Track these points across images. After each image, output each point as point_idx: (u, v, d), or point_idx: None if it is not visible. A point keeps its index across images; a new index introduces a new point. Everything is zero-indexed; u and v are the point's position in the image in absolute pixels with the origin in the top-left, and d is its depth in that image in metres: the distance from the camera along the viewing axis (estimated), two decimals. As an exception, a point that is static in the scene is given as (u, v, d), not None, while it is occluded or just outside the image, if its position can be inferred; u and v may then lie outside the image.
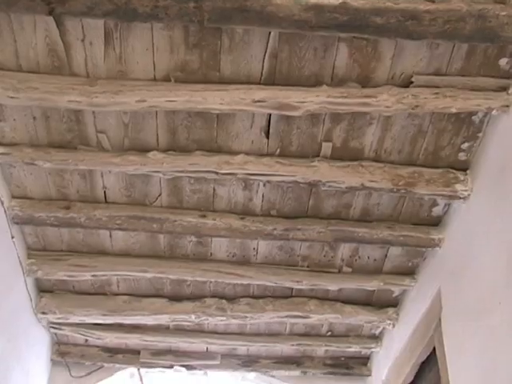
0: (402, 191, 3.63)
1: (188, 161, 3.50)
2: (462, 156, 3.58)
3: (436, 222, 4.06)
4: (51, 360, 5.49)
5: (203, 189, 3.86)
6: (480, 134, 3.45)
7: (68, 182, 3.86)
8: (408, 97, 3.11)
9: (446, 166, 3.62)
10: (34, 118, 3.44)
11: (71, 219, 3.95)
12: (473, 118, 3.38)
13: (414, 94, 3.11)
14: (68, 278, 4.54)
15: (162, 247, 4.35)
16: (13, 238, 4.09)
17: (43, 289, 4.81)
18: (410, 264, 4.48)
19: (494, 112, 3.20)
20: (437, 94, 3.11)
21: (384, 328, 5.17)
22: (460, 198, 3.62)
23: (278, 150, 3.55)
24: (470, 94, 3.13)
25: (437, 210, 3.99)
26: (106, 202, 3.96)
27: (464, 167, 3.62)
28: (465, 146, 3.53)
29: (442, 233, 4.01)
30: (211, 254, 4.40)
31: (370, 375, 5.65)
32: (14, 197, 3.95)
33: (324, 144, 3.50)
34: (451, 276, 3.87)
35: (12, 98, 3.12)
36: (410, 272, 4.54)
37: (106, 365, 5.61)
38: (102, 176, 3.81)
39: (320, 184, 3.58)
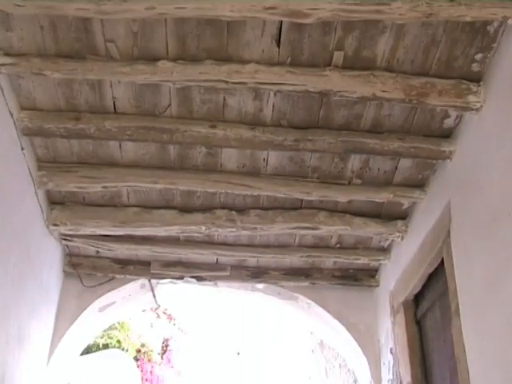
0: (414, 102, 3.63)
1: (198, 70, 3.49)
2: (475, 67, 3.57)
3: (447, 134, 4.08)
4: (63, 271, 5.64)
5: (213, 99, 3.87)
6: (494, 45, 3.42)
7: (77, 93, 3.87)
8: (422, 4, 3.03)
9: (458, 77, 3.61)
10: (42, 27, 3.41)
11: (81, 130, 3.99)
12: (488, 27, 3.34)
13: (428, 1, 3.04)
14: (78, 190, 4.59)
15: (172, 158, 4.38)
16: (23, 149, 4.13)
17: (54, 201, 4.88)
18: (420, 176, 4.53)
19: (509, 21, 3.14)
20: (452, 1, 3.03)
21: (393, 240, 5.26)
22: (472, 109, 3.63)
23: (289, 59, 3.54)
24: (485, 2, 3.05)
25: (448, 122, 4.01)
26: (116, 112, 3.98)
27: (477, 78, 3.61)
28: (478, 56, 3.51)
29: (453, 145, 4.03)
30: (221, 165, 4.43)
31: (377, 286, 5.80)
32: (23, 108, 3.97)
33: (335, 53, 3.49)
34: (461, 188, 3.92)
35: (19, 6, 3.07)
36: (419, 184, 4.60)
37: (117, 276, 5.76)
38: (111, 86, 3.82)
39: (331, 94, 3.58)
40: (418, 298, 4.92)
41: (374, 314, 5.80)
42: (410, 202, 4.79)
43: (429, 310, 4.73)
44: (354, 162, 4.41)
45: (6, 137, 3.88)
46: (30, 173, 4.35)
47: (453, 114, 3.91)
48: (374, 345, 5.74)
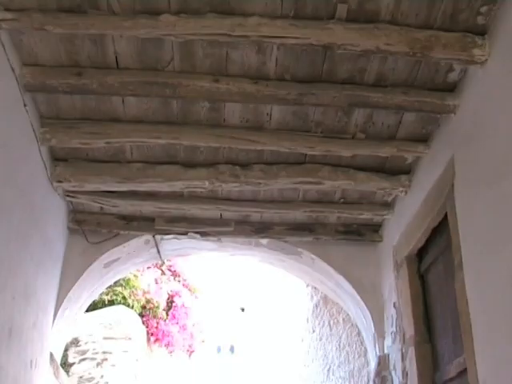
0: (418, 55, 3.63)
1: (200, 23, 3.47)
2: (480, 20, 3.55)
3: (451, 88, 4.08)
4: (68, 228, 5.67)
5: (216, 53, 3.86)
6: (500, -4, 3.40)
7: (79, 48, 3.86)
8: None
9: (463, 30, 3.59)
10: (42, -20, 3.39)
11: (83, 86, 3.99)
12: (493, -21, 3.33)
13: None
14: (82, 146, 4.61)
15: (175, 113, 4.39)
16: (25, 106, 4.12)
17: (58, 157, 4.89)
18: (423, 131, 4.54)
19: (515, -28, 3.14)
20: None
21: (396, 195, 5.29)
22: (477, 63, 3.63)
23: (292, 12, 3.53)
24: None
25: (453, 76, 4.01)
26: (118, 67, 3.98)
27: (482, 31, 3.59)
28: (483, 9, 3.49)
29: (457, 99, 4.04)
30: (224, 119, 4.44)
31: (381, 241, 5.84)
32: (24, 64, 3.97)
33: (339, 5, 3.47)
34: (465, 143, 3.93)
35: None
36: (423, 139, 4.61)
37: (121, 232, 5.80)
38: (113, 41, 3.81)
39: (334, 47, 3.57)
40: (421, 253, 4.97)
41: (378, 269, 5.85)
42: (414, 156, 4.80)
43: (432, 264, 4.78)
44: (358, 116, 4.42)
45: (9, 93, 3.88)
46: (33, 129, 4.35)
47: (457, 67, 3.91)
48: (377, 299, 5.80)
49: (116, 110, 4.39)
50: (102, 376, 11.41)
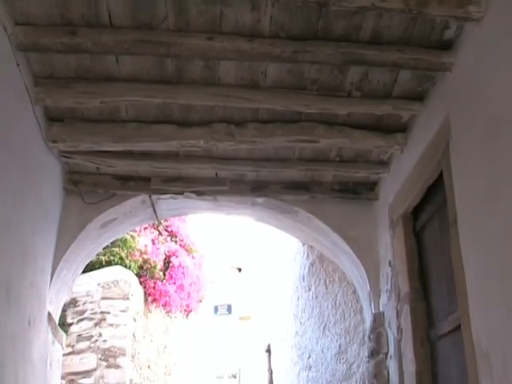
0: (414, 12, 3.62)
1: (193, -20, 3.46)
2: (476, -24, 3.53)
3: (447, 46, 4.08)
4: (64, 189, 5.68)
5: (210, 10, 3.84)
6: (496, -47, 3.39)
7: (72, 7, 3.83)
8: None
9: (459, -14, 3.56)
10: None
11: (77, 45, 3.97)
12: None
13: None
14: (77, 106, 4.61)
15: (170, 72, 4.38)
16: (18, 65, 4.10)
17: (52, 118, 4.87)
18: (419, 89, 4.55)
19: None
20: None
21: (392, 153, 5.32)
22: (473, 19, 3.62)
23: (287, -32, 3.51)
24: None
25: (448, 33, 4.00)
26: (112, 26, 3.95)
27: (478, -13, 3.57)
28: (479, -35, 3.48)
29: (453, 56, 4.04)
30: (219, 78, 4.43)
31: (377, 200, 5.87)
32: (17, 23, 3.92)
33: (334, -39, 3.45)
34: (461, 100, 3.95)
35: None
36: (419, 97, 4.62)
37: (117, 192, 5.81)
38: (107, -1, 3.78)
39: (329, 3, 3.55)
40: (416, 211, 5.01)
41: (374, 227, 5.89)
42: (410, 114, 4.82)
43: (427, 222, 4.83)
44: (354, 73, 4.41)
45: (1, 53, 3.86)
46: (27, 89, 4.34)
47: (453, 24, 3.90)
48: (373, 257, 5.84)
49: (110, 69, 4.37)
50: (100, 334, 11.56)
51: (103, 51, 4.06)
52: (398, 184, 5.21)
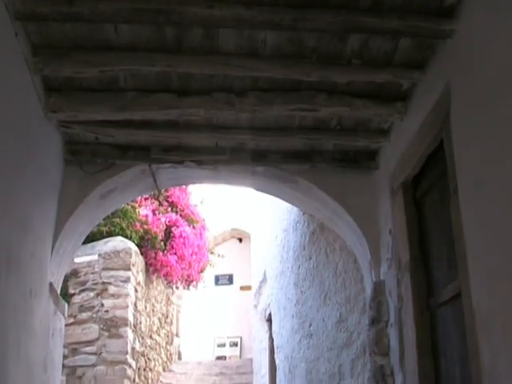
0: (415, -22, 3.61)
1: None
2: None
3: (448, 13, 4.04)
4: (64, 159, 5.69)
5: (209, -23, 3.82)
6: None
7: (69, -26, 3.81)
8: None
9: (460, -50, 3.57)
10: None
11: (75, 14, 3.95)
12: None
13: None
14: (75, 75, 4.59)
15: (169, 40, 4.35)
16: (16, 35, 4.08)
17: (51, 87, 4.85)
18: (420, 57, 4.52)
19: None
20: None
21: (393, 122, 5.32)
22: (474, -15, 3.61)
23: None
24: None
25: (449, 0, 3.96)
26: (110, -6, 3.93)
27: (479, -49, 3.57)
28: None
29: (454, 24, 4.01)
30: (219, 46, 4.41)
31: (377, 169, 5.88)
32: (14, -9, 3.91)
33: None
34: (461, 68, 3.94)
35: None
36: (419, 65, 4.59)
37: (117, 162, 5.82)
38: (104, -34, 3.77)
39: (329, -30, 3.54)
40: (417, 180, 5.02)
41: (374, 196, 5.90)
42: (410, 82, 4.80)
43: (428, 191, 4.84)
44: (354, 41, 4.39)
45: (-1, 22, 3.85)
46: (25, 59, 4.32)
47: (454, -10, 3.88)
48: (373, 226, 5.86)
49: (109, 38, 4.34)
50: (101, 305, 11.66)
51: (101, 20, 4.04)
52: (398, 153, 5.21)
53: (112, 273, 11.93)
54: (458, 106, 3.97)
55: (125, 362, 11.51)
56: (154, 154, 5.73)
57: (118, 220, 12.41)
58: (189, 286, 16.52)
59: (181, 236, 14.20)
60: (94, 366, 11.35)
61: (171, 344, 17.22)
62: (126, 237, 12.44)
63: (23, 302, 4.64)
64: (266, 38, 4.33)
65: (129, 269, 12.04)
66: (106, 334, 11.52)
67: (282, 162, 5.90)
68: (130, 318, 11.90)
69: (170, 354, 17.03)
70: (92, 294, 11.76)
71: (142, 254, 13.24)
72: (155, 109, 4.87)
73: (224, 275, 22.28)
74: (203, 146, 5.76)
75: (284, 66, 4.48)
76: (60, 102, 4.88)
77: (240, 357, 20.66)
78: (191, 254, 14.76)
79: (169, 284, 15.79)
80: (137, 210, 13.05)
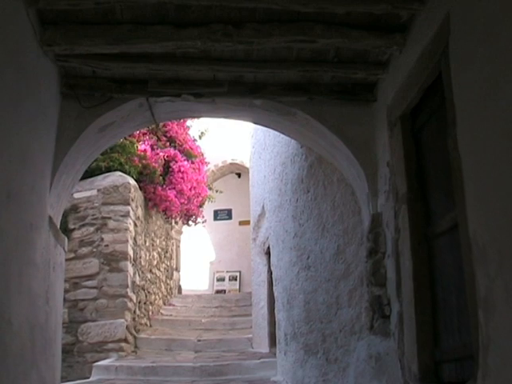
0: None
1: None
2: None
3: None
4: (61, 93, 5.70)
5: None
6: None
7: None
8: None
9: None
10: None
11: None
12: None
13: None
14: (71, 8, 4.57)
15: (165, -29, 4.33)
16: (10, -34, 4.07)
17: (47, 21, 4.82)
18: (419, -14, 4.49)
19: None
20: None
21: (391, 54, 5.29)
22: None
23: None
24: None
25: None
26: None
27: None
28: None
29: (455, -50, 3.99)
30: (215, -24, 4.39)
31: (375, 101, 5.89)
32: None
33: None
34: (461, -1, 3.92)
35: None
36: (419, -5, 4.55)
37: (114, 95, 5.83)
38: None
39: None
40: (415, 112, 5.02)
41: (372, 129, 5.92)
42: (409, 13, 4.75)
43: (426, 123, 4.86)
44: (352, -29, 4.36)
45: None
46: (19, -10, 4.28)
47: None
48: (371, 158, 5.89)
49: (103, -32, 4.32)
50: (101, 239, 11.82)
51: (95, -51, 4.00)
52: (396, 85, 5.21)
53: (111, 207, 12.06)
54: (457, 37, 3.95)
55: (125, 296, 11.75)
56: (151, 87, 5.73)
57: (116, 155, 12.46)
58: (188, 220, 16.68)
59: (179, 170, 14.27)
60: (95, 299, 11.61)
61: (171, 278, 17.50)
62: (125, 172, 12.52)
63: (24, 235, 4.72)
64: (264, -33, 4.29)
65: (128, 203, 12.16)
66: (107, 268, 11.73)
67: (279, 95, 5.90)
68: (130, 252, 12.09)
69: (170, 288, 17.32)
70: (92, 229, 11.91)
71: (140, 188, 13.34)
72: (152, 41, 4.85)
73: (223, 210, 22.47)
74: (201, 78, 5.75)
75: (281, -4, 4.44)
76: (56, 35, 4.85)
77: (239, 291, 21.03)
78: (190, 189, 14.86)
79: (168, 219, 15.94)
80: (135, 145, 13.09)
